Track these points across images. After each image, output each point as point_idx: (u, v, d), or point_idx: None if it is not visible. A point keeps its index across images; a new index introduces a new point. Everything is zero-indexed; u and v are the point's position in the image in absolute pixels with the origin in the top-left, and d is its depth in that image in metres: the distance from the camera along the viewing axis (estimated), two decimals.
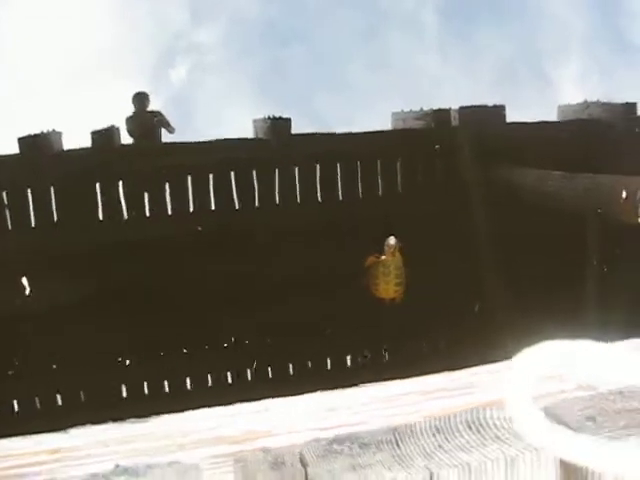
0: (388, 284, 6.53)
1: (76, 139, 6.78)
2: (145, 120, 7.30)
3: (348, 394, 1.46)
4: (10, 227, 6.58)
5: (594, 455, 0.78)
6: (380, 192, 7.14)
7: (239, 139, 6.84)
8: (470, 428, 0.86)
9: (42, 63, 11.60)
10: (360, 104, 11.52)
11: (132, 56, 11.82)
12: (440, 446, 0.83)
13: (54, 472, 1.13)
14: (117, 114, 7.39)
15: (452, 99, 7.56)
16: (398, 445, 0.84)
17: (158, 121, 7.36)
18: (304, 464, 0.81)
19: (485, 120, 7.12)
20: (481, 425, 0.86)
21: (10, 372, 6.64)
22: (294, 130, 6.83)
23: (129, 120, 7.28)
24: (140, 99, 7.48)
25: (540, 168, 6.61)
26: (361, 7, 12.90)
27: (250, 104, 10.69)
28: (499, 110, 7.27)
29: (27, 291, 6.54)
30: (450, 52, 13.00)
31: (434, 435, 0.85)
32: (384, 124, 7.50)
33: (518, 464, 0.80)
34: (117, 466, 0.85)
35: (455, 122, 7.20)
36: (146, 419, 1.40)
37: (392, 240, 6.42)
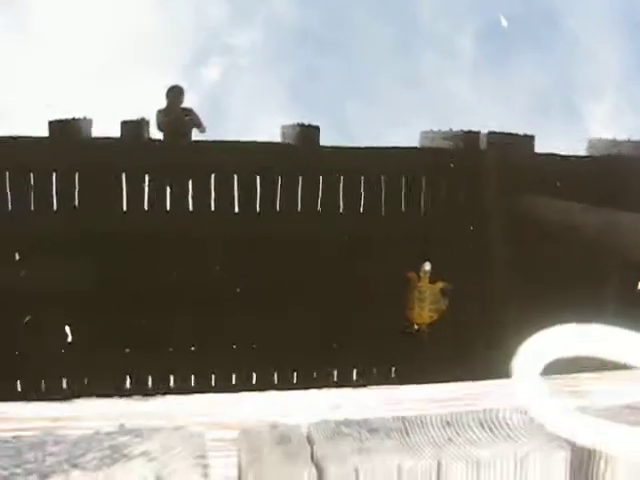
0: (423, 310, 6.54)
1: (105, 126, 6.83)
2: (177, 115, 7.21)
3: (355, 394, 1.44)
4: (32, 209, 6.63)
5: (603, 436, 0.78)
6: (403, 209, 7.11)
7: (267, 143, 6.85)
8: (482, 426, 0.84)
9: (76, 46, 11.69)
10: (389, 119, 11.51)
11: (167, 49, 11.87)
12: (450, 439, 0.82)
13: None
14: (146, 105, 7.38)
15: (481, 123, 7.52)
16: (407, 434, 0.82)
17: (190, 119, 7.26)
18: (311, 442, 0.80)
19: (513, 147, 7.08)
20: (493, 424, 0.84)
21: (17, 352, 6.64)
22: (322, 139, 6.84)
23: (160, 114, 7.19)
24: (175, 93, 7.33)
25: (564, 200, 6.57)
26: (399, 24, 12.91)
27: (280, 110, 10.70)
28: (528, 139, 7.23)
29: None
30: (483, 77, 12.98)
31: (444, 428, 0.84)
32: (412, 141, 7.50)
33: (528, 464, 0.78)
34: (122, 426, 0.84)
35: (483, 146, 7.17)
36: (153, 398, 1.39)
37: (427, 266, 6.47)
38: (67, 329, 6.63)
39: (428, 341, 6.60)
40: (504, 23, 12.58)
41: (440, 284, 6.59)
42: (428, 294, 6.50)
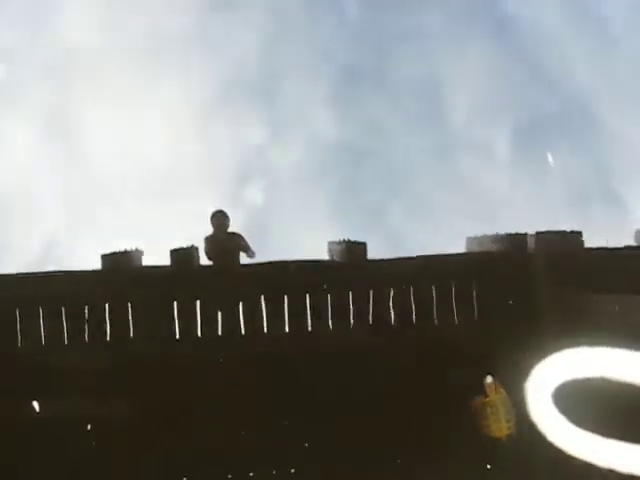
0: (500, 422, 6.46)
1: (155, 255, 6.96)
2: (223, 242, 7.24)
3: None
4: (87, 340, 6.72)
5: (612, 456, 0.76)
6: (454, 314, 7.04)
7: (314, 261, 6.90)
8: None
9: (122, 176, 12.15)
10: (432, 223, 11.58)
11: (211, 174, 12.25)
12: None
13: None
14: (194, 231, 7.48)
15: (524, 221, 7.52)
16: None
17: (236, 245, 7.27)
18: None
19: (562, 245, 7.02)
20: None
21: None
22: (368, 249, 6.88)
23: (207, 241, 7.24)
24: (218, 219, 7.34)
25: (620, 294, 6.46)
26: (433, 129, 13.16)
27: (325, 224, 10.87)
28: (576, 235, 7.16)
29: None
30: (521, 174, 13.05)
31: None
32: (457, 243, 7.50)
33: None
34: None
35: (531, 246, 7.12)
36: None
37: (489, 379, 6.44)
38: None
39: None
40: (550, 160, 12.83)
41: (502, 390, 6.50)
42: (500, 406, 6.43)
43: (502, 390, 6.46)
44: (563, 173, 12.87)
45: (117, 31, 12.77)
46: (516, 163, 13.07)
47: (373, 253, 6.95)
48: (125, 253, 6.76)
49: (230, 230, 7.37)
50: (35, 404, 6.57)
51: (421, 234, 10.89)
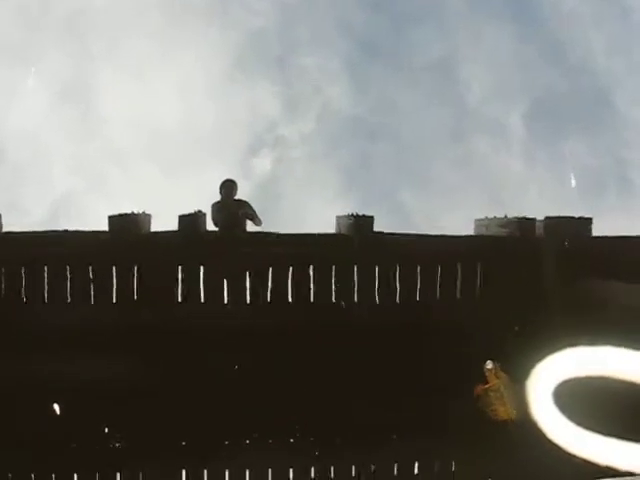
0: (506, 405, 6.46)
1: (164, 220, 6.97)
2: (230, 208, 7.27)
3: None
4: (93, 302, 6.74)
5: (612, 454, 0.77)
6: (458, 296, 7.03)
7: (321, 234, 6.89)
8: None
9: (134, 140, 12.16)
10: (443, 203, 11.58)
11: (222, 143, 12.24)
12: None
13: None
14: (204, 198, 7.49)
15: (535, 205, 7.48)
16: None
17: (244, 213, 7.28)
18: None
19: (571, 232, 6.99)
20: None
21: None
22: (376, 226, 6.86)
23: (214, 207, 7.29)
24: (227, 187, 7.40)
25: (627, 283, 6.43)
26: (449, 108, 13.10)
27: (334, 198, 10.87)
28: (586, 222, 7.11)
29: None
30: (535, 158, 13.00)
31: None
32: (466, 225, 7.47)
33: None
34: None
35: (540, 232, 7.09)
36: None
37: (489, 364, 6.44)
38: None
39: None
40: (573, 183, 12.79)
41: (502, 374, 6.50)
42: (503, 389, 6.42)
43: (503, 373, 6.46)
44: (577, 158, 12.81)
45: None
46: (530, 146, 13.01)
47: (381, 228, 6.93)
48: (133, 216, 6.76)
49: (238, 198, 7.39)
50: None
51: (430, 213, 10.89)
